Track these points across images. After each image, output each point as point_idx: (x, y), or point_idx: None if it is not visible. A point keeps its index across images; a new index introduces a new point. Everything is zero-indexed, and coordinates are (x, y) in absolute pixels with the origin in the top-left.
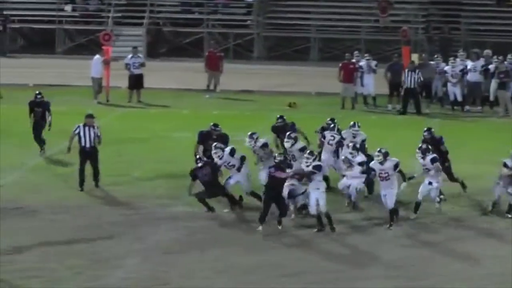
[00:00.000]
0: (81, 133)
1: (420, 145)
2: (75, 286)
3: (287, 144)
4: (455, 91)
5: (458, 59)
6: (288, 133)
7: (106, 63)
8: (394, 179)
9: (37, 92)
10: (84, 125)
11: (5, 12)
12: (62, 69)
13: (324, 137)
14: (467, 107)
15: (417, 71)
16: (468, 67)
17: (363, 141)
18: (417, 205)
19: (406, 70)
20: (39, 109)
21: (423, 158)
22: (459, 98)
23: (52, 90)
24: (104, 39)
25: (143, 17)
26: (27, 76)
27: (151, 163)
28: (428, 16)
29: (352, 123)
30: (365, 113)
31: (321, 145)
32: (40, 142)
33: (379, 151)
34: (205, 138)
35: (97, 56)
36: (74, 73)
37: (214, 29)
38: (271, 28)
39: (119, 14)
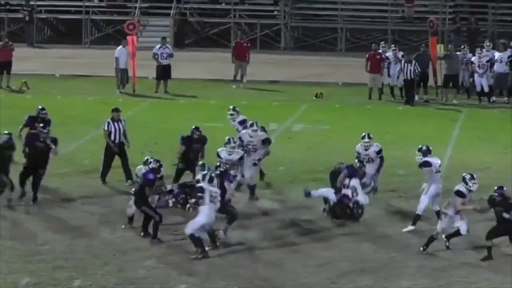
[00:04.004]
0: (112, 129)
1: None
2: (102, 276)
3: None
4: (482, 82)
5: (484, 50)
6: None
7: (132, 55)
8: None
9: (41, 107)
10: (113, 120)
11: (32, 3)
12: (89, 59)
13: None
14: (493, 98)
15: (413, 62)
16: (495, 57)
17: (378, 152)
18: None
19: (403, 62)
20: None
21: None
22: (486, 89)
23: (78, 80)
24: (128, 29)
25: (170, 7)
26: (54, 67)
27: None
28: (456, 7)
29: (363, 134)
30: (392, 104)
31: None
32: None
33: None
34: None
35: (120, 47)
36: (101, 64)
37: (241, 19)
38: (298, 18)
39: (146, 4)
